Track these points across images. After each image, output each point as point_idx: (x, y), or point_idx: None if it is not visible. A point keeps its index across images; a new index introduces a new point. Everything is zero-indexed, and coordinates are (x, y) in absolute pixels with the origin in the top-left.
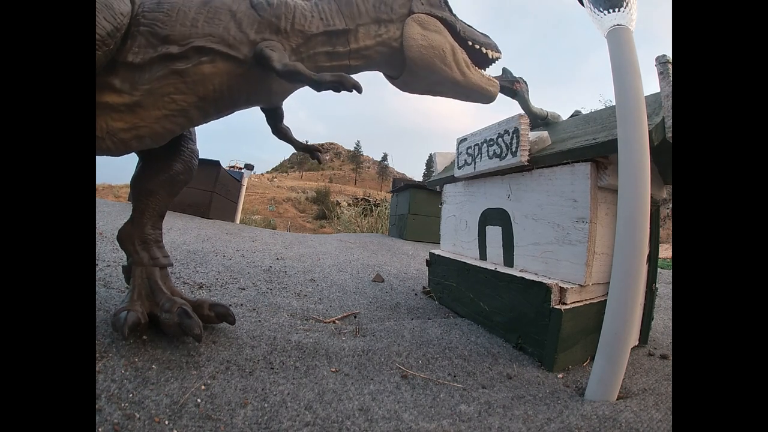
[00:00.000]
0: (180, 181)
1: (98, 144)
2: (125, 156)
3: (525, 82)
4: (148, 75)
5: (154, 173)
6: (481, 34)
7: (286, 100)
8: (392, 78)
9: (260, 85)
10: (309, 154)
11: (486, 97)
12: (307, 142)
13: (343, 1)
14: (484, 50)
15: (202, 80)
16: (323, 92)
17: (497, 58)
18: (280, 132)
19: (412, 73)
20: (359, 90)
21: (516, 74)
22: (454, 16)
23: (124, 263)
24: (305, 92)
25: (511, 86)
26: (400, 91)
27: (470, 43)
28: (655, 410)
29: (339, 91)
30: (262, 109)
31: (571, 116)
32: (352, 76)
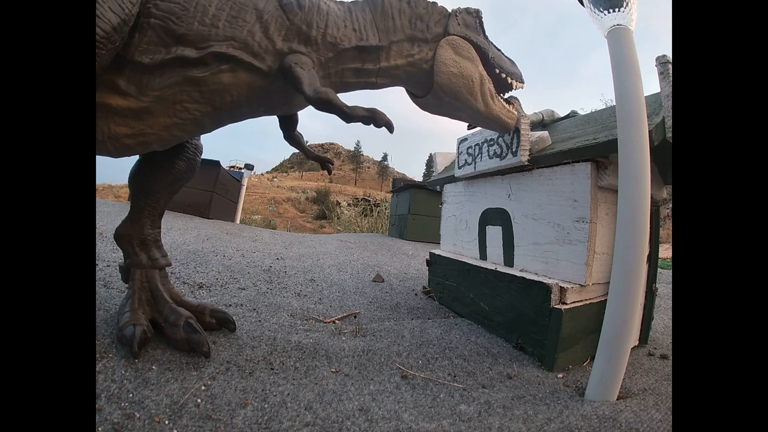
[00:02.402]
0: (182, 180)
1: (98, 147)
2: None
3: (516, 99)
4: (159, 80)
5: (155, 172)
6: (509, 60)
7: None
8: (414, 96)
9: (282, 98)
10: (320, 164)
11: (503, 129)
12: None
13: (378, 11)
14: (510, 80)
15: (219, 90)
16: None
17: (519, 89)
18: (293, 139)
19: (437, 97)
20: (391, 129)
21: None
22: (488, 40)
23: (121, 263)
24: None
25: None
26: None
27: (497, 71)
28: (655, 410)
29: (368, 125)
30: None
31: (567, 116)
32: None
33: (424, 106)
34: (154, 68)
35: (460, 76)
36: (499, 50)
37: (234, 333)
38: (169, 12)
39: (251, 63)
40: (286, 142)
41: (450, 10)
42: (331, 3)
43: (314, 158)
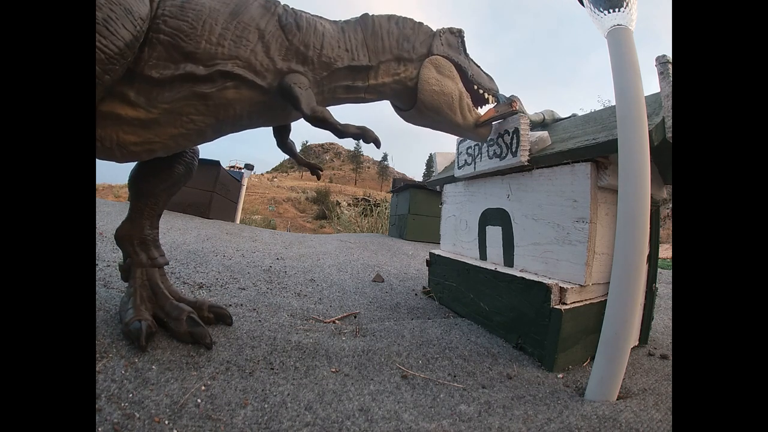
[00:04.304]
0: (181, 183)
1: (105, 153)
2: None
3: (517, 98)
4: (168, 94)
5: (155, 175)
6: (487, 77)
7: None
8: (399, 109)
9: (280, 112)
10: (310, 170)
11: (479, 139)
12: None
13: (369, 32)
14: (486, 95)
15: (224, 105)
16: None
17: (492, 104)
18: (287, 146)
19: (420, 111)
20: (378, 145)
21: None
22: (468, 58)
23: (121, 262)
24: None
25: (510, 108)
26: None
27: (476, 87)
28: (655, 410)
29: (358, 140)
30: None
31: (568, 118)
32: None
33: (408, 118)
34: (164, 82)
35: (442, 93)
36: (479, 66)
37: (234, 333)
38: (177, 29)
39: (254, 81)
40: (280, 150)
41: (435, 30)
42: (326, 23)
43: (305, 164)
